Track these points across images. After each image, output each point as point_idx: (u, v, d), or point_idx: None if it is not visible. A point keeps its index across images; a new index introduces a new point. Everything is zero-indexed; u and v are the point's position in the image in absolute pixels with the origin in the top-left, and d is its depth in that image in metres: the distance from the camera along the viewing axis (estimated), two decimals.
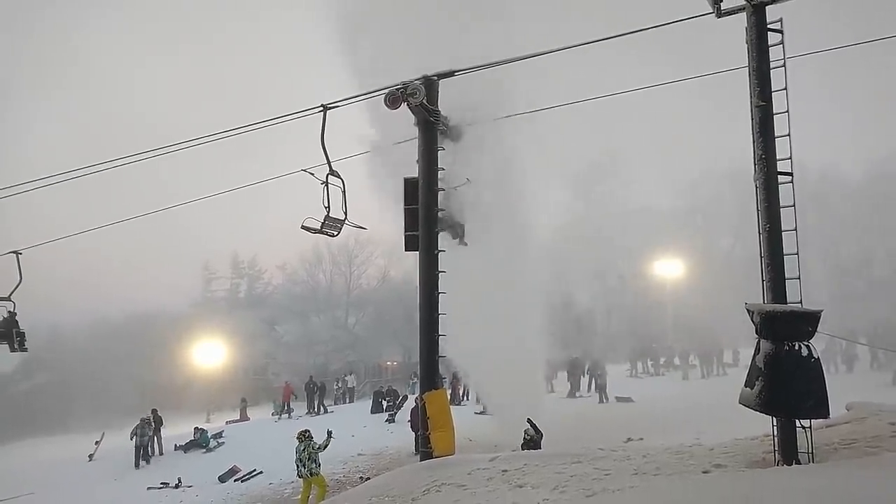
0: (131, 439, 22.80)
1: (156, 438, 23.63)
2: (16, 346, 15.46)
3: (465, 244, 13.53)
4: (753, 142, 7.82)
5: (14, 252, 15.01)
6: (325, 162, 11.27)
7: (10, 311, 15.32)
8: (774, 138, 7.74)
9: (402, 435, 20.24)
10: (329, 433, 14.70)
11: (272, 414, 31.37)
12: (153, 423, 23.62)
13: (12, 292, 15.13)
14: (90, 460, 23.81)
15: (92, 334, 52.15)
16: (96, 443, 24.76)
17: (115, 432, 27.19)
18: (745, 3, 7.86)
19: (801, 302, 7.55)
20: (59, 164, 14.63)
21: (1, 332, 15.29)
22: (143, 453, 22.83)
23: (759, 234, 7.77)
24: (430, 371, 11.94)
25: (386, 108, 11.50)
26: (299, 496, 14.95)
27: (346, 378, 36.85)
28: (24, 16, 58.97)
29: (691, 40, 11.40)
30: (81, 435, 29.82)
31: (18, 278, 15.07)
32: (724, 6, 8.03)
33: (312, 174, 11.34)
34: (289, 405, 30.15)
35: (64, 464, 23.87)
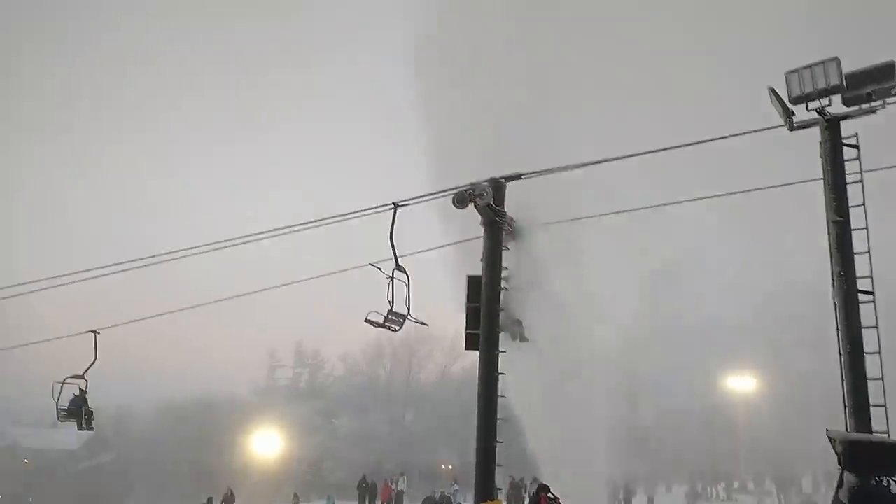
0: None
1: None
2: (83, 424, 15.62)
3: (526, 339, 13.26)
4: (831, 258, 7.52)
5: (92, 331, 15.25)
6: (392, 257, 11.47)
7: (81, 389, 15.46)
8: (853, 255, 7.43)
9: None
10: None
11: None
12: None
13: (86, 371, 15.24)
14: None
15: (157, 416, 53.15)
16: None
17: None
18: (818, 117, 7.76)
19: (888, 431, 6.96)
20: (131, 251, 15.31)
21: (70, 409, 15.44)
22: None
23: (840, 355, 7.32)
24: (485, 479, 11.45)
25: (454, 207, 11.71)
26: None
27: (396, 479, 35.74)
28: None
29: (766, 150, 11.26)
30: None
31: (94, 357, 15.20)
32: (796, 119, 7.94)
33: (379, 269, 11.51)
34: None
35: None
